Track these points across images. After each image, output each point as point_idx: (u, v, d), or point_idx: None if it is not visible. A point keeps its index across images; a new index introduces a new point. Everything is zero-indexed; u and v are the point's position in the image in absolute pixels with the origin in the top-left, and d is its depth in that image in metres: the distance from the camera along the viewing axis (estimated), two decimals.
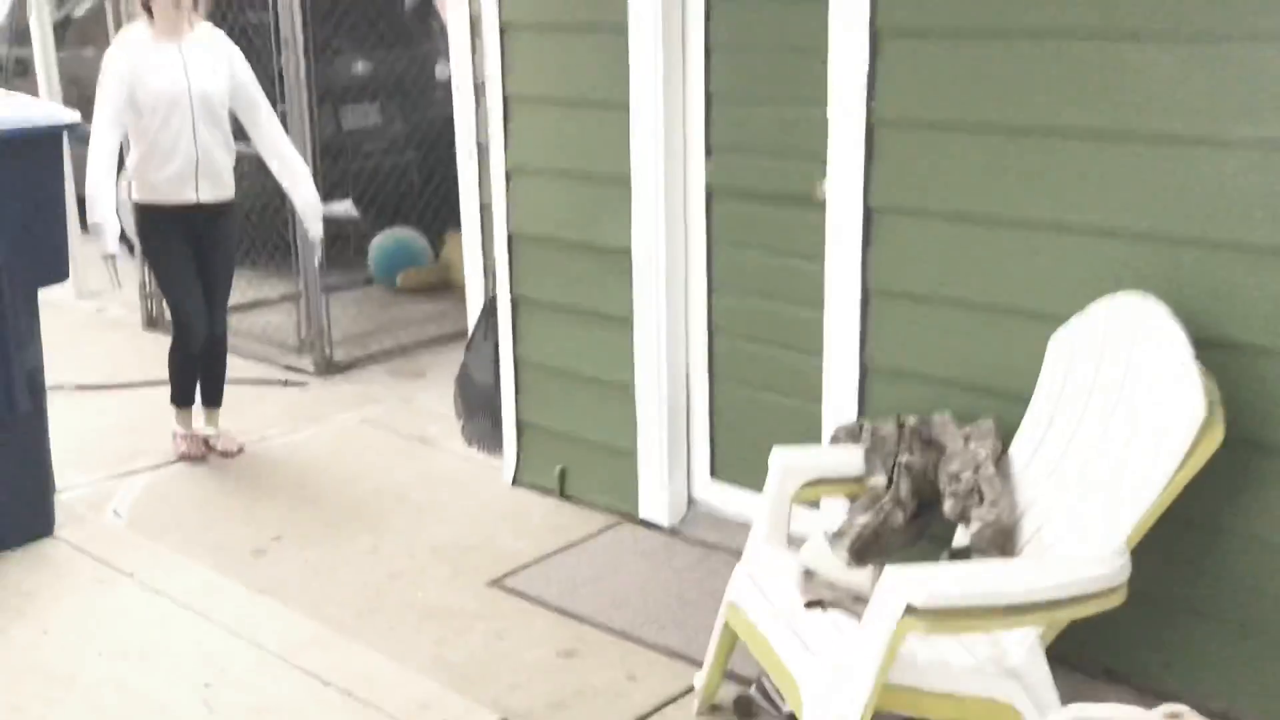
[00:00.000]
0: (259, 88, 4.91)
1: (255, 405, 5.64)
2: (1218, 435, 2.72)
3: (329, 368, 6.11)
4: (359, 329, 6.61)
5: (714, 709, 3.32)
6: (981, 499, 3.04)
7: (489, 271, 4.91)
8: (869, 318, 3.60)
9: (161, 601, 3.50)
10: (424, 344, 6.48)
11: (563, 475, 4.58)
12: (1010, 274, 3.29)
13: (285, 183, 4.99)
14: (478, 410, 5.09)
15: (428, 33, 8.22)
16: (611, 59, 4.03)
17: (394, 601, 3.90)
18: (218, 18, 6.54)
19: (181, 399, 5.06)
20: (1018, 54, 3.17)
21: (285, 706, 3.02)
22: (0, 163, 3.52)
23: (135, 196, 4.76)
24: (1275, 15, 2.77)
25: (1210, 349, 2.89)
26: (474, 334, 5.11)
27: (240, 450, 5.05)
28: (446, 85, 8.13)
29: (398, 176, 7.81)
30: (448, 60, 8.14)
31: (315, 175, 5.83)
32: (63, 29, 7.83)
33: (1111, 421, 2.90)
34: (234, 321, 6.68)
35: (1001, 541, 2.97)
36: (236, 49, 4.86)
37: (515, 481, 4.73)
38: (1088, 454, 2.93)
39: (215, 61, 4.75)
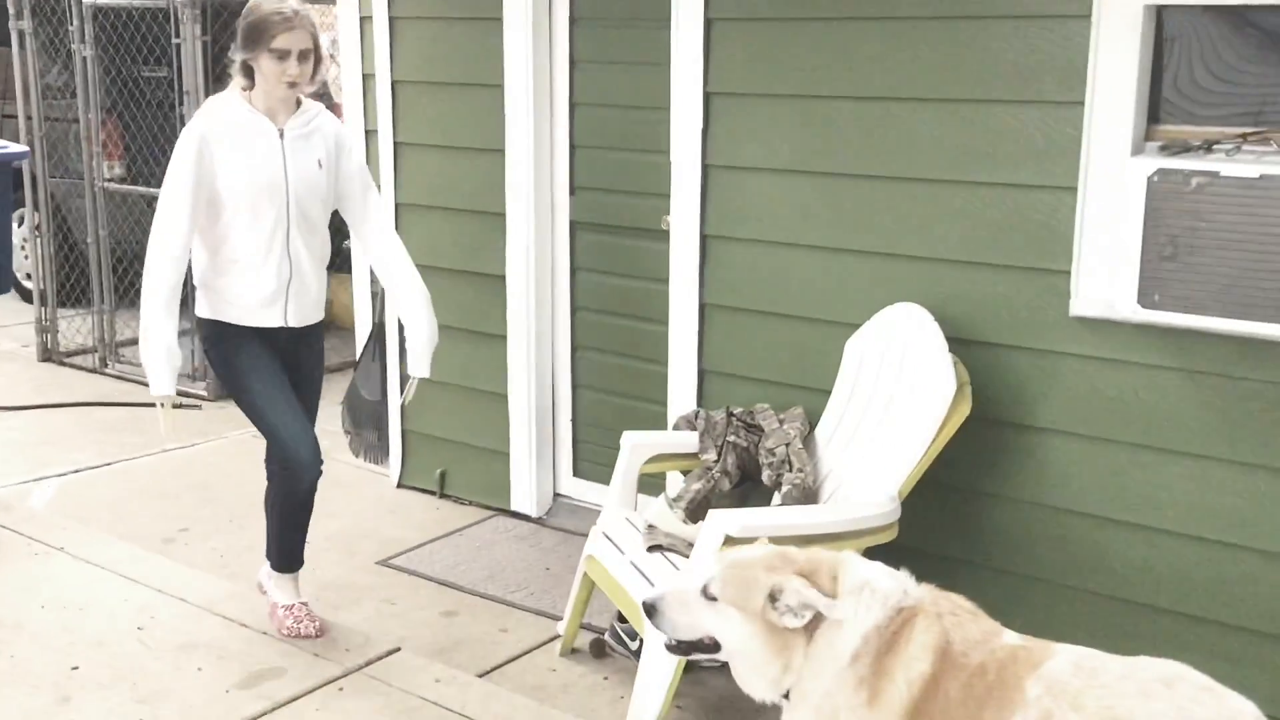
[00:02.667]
0: (370, 181, 3.90)
1: (154, 424, 6.08)
2: (966, 408, 3.51)
3: (221, 393, 6.58)
4: None
5: (574, 652, 3.96)
6: (791, 467, 3.77)
7: (377, 299, 5.50)
8: (705, 329, 4.33)
9: (92, 569, 4.00)
10: None
11: (443, 476, 5.19)
12: (815, 290, 4.05)
13: (400, 304, 3.91)
14: (365, 424, 5.65)
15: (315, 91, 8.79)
16: (489, 113, 4.73)
17: None
18: (115, 72, 7.09)
19: (285, 561, 3.91)
20: (821, 112, 3.95)
21: (212, 642, 3.56)
22: None
23: (203, 312, 3.72)
24: (1006, 83, 3.59)
25: (964, 345, 3.69)
26: (362, 356, 5.68)
27: (320, 634, 3.82)
28: None
29: None
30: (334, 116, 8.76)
31: None
32: None
33: (889, 402, 3.66)
34: (129, 353, 7.19)
35: (806, 500, 3.68)
36: (346, 130, 3.92)
37: (400, 484, 5.32)
38: (873, 429, 3.69)
39: (321, 148, 3.71)
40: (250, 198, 3.58)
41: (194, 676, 3.39)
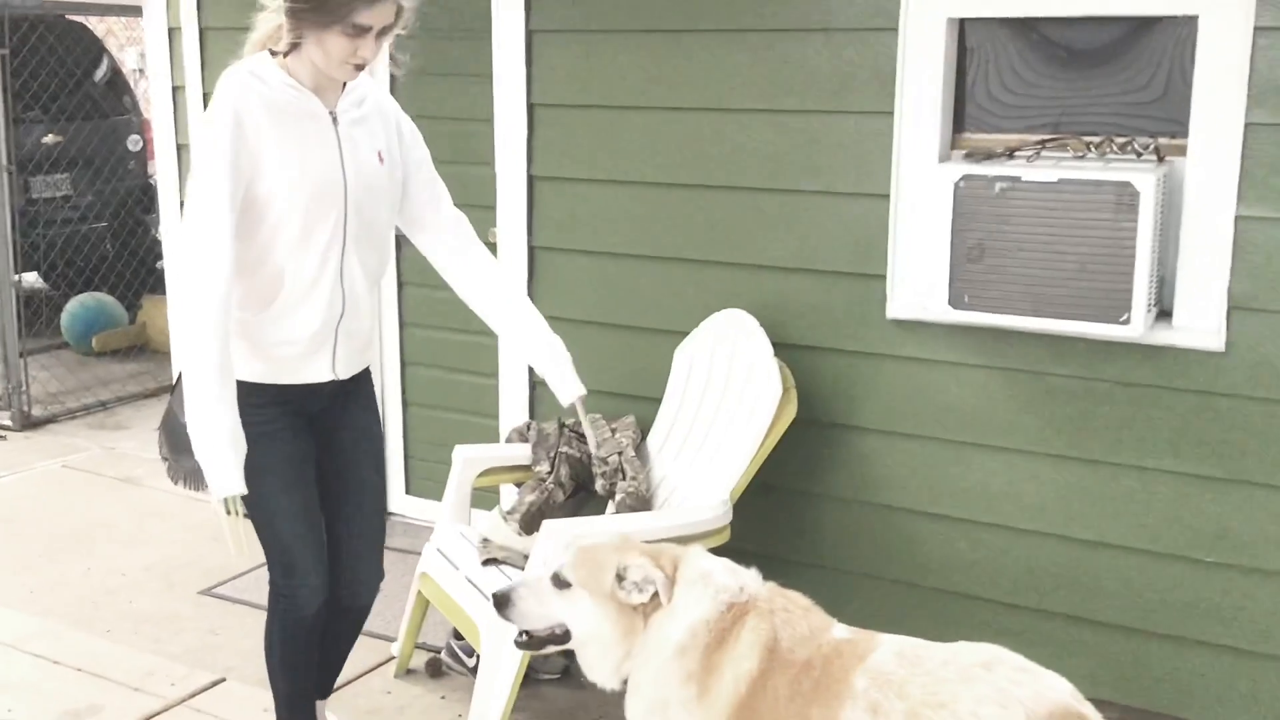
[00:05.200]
0: (436, 172, 3.06)
1: None
2: (792, 410, 3.59)
3: (27, 423, 6.27)
4: (56, 388, 6.76)
5: (410, 672, 3.88)
6: (624, 476, 3.78)
7: None
8: None
9: None
10: (124, 400, 6.72)
11: None
12: (644, 299, 4.09)
13: (510, 322, 3.19)
14: (183, 450, 5.41)
15: (119, 107, 8.47)
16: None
17: (111, 611, 4.24)
18: None
19: (292, 712, 3.12)
20: (643, 123, 3.99)
21: (20, 683, 3.37)
22: None
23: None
24: (821, 94, 3.69)
25: (789, 349, 3.77)
26: (179, 380, 5.47)
27: None
28: (138, 156, 8.45)
29: (91, 245, 7.98)
30: (139, 133, 8.46)
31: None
32: None
33: (718, 408, 3.71)
34: None
35: (641, 507, 3.70)
36: (403, 112, 3.00)
37: None
38: (703, 434, 3.73)
39: (380, 135, 2.86)
40: (301, 205, 2.68)
41: (3, 718, 3.21)
